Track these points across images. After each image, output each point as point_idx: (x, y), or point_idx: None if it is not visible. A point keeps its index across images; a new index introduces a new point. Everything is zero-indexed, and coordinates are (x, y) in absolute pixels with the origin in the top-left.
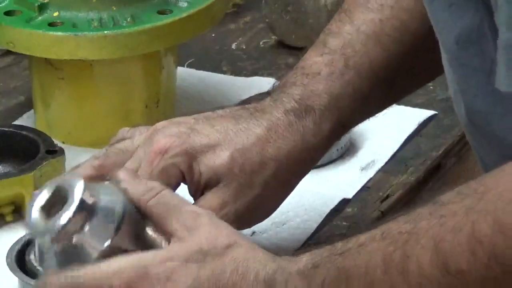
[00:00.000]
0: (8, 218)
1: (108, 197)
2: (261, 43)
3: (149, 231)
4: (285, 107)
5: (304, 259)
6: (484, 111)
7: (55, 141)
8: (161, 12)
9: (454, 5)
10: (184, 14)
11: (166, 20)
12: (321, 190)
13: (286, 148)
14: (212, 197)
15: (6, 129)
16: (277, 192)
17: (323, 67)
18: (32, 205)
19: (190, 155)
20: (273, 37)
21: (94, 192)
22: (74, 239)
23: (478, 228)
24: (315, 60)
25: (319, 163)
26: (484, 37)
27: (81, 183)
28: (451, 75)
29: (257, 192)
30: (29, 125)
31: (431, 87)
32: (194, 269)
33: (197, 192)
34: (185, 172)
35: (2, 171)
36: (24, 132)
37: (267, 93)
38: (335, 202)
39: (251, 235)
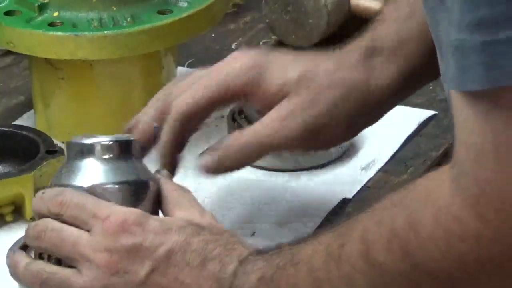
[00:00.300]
0: (8, 218)
1: (143, 168)
2: (261, 43)
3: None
4: (356, 46)
5: (273, 248)
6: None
7: (55, 141)
8: (161, 12)
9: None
10: (184, 14)
11: (166, 20)
12: (321, 190)
13: (354, 80)
14: (280, 107)
15: (6, 129)
16: (343, 120)
17: (390, 12)
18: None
19: (261, 65)
20: (273, 37)
21: (138, 157)
22: (95, 160)
23: (396, 222)
24: (384, 10)
25: (319, 163)
26: None
27: (136, 141)
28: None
29: (324, 109)
30: (29, 125)
31: (431, 87)
32: (186, 233)
33: (264, 106)
34: (250, 82)
35: (2, 171)
36: (24, 132)
37: None
38: (335, 202)
39: (251, 235)
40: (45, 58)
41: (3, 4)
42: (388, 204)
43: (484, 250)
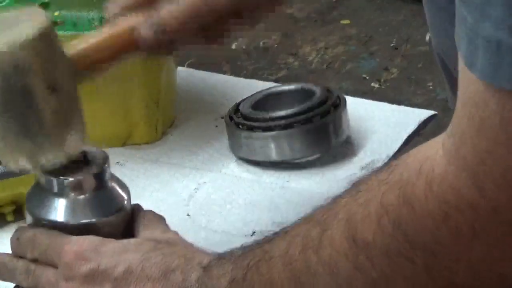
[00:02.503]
0: (9, 218)
1: (117, 188)
2: (261, 43)
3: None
4: None
5: (239, 249)
6: (449, 53)
7: None
8: None
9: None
10: None
11: None
12: (321, 190)
13: None
14: None
15: None
16: None
17: None
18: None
19: None
20: (273, 37)
21: (110, 176)
22: (70, 197)
23: (386, 198)
24: None
25: (319, 152)
26: None
27: (107, 160)
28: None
29: None
30: None
31: (431, 87)
32: (144, 250)
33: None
34: None
35: (2, 171)
36: None
37: None
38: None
39: (251, 235)
40: None
41: (3, 4)
42: (374, 183)
43: (480, 221)
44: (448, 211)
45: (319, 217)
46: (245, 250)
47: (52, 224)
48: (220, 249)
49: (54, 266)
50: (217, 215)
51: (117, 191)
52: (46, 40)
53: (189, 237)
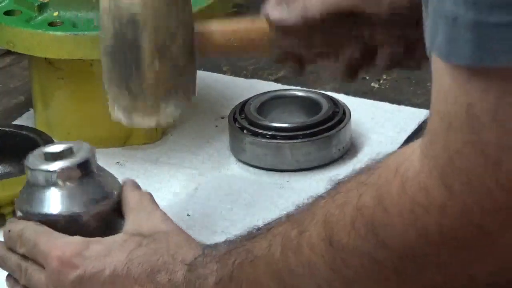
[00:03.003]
0: (9, 218)
1: (104, 177)
2: None
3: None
4: None
5: (224, 246)
6: None
7: (55, 141)
8: None
9: None
10: None
11: None
12: (321, 190)
13: None
14: None
15: (6, 129)
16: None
17: None
18: (38, 150)
19: None
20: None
21: (96, 167)
22: (57, 187)
23: (362, 200)
24: None
25: (319, 163)
26: None
27: (91, 150)
28: None
29: None
30: (29, 125)
31: (431, 87)
32: (129, 249)
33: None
34: None
35: (2, 171)
36: (24, 132)
37: None
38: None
39: None
40: (45, 58)
41: (3, 4)
42: (353, 185)
43: (448, 223)
44: (417, 212)
45: (299, 216)
46: (230, 246)
47: (40, 217)
48: None
49: (42, 266)
50: (217, 215)
51: (103, 180)
52: (170, 6)
53: None
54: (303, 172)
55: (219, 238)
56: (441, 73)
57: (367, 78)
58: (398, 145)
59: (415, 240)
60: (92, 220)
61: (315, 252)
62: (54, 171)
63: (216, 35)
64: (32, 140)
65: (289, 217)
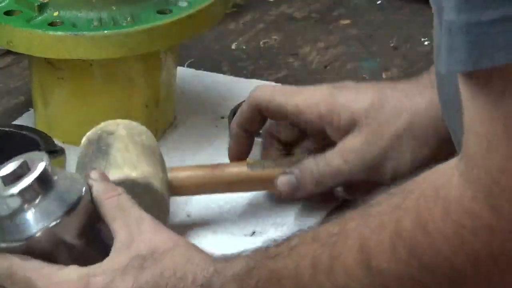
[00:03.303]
0: None
1: (69, 183)
2: (261, 43)
3: (100, 227)
4: (423, 78)
5: (240, 263)
6: (447, 107)
7: (56, 141)
8: (161, 12)
9: None
10: (184, 14)
11: (166, 20)
12: None
13: (423, 102)
14: (345, 140)
15: (6, 129)
16: (408, 149)
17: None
18: None
19: (334, 96)
20: (273, 37)
21: (56, 173)
22: (25, 209)
23: (401, 224)
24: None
25: None
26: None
27: (46, 158)
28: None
29: (387, 143)
30: (29, 125)
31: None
32: (133, 276)
33: (337, 135)
34: (325, 114)
35: None
36: (24, 132)
37: None
38: (336, 202)
39: (251, 235)
40: (45, 58)
41: (3, 4)
42: (387, 209)
43: (498, 244)
44: (465, 235)
45: (327, 238)
46: (248, 264)
47: (21, 244)
48: (220, 249)
49: None
50: (217, 215)
51: (68, 186)
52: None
53: (189, 237)
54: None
55: (219, 238)
56: (470, 95)
57: (367, 78)
58: None
59: (464, 263)
60: (67, 231)
61: (352, 277)
62: (16, 194)
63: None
64: (32, 140)
65: (314, 236)
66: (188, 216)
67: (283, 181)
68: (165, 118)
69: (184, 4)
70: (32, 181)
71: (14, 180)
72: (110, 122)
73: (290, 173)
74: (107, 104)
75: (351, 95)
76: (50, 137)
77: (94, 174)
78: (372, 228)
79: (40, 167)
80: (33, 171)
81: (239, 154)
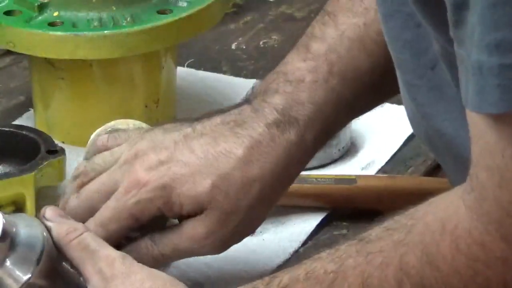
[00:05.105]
0: None
1: (28, 230)
2: (261, 43)
3: (66, 265)
4: (267, 120)
5: None
6: (450, 133)
7: (56, 141)
8: (161, 12)
9: (422, 27)
10: (184, 14)
11: (166, 20)
12: None
13: (270, 166)
14: (196, 226)
15: (6, 129)
16: (262, 211)
17: (307, 74)
18: None
19: (169, 188)
20: (273, 37)
21: (14, 224)
22: None
23: (405, 260)
24: (298, 66)
25: (319, 163)
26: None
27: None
28: (413, 99)
29: (242, 216)
30: (29, 125)
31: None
32: None
33: (182, 218)
34: (162, 207)
35: (2, 171)
36: (24, 132)
37: (247, 100)
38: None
39: (251, 235)
40: (45, 58)
41: (3, 4)
42: (389, 245)
43: (511, 273)
44: (477, 267)
45: (322, 276)
46: None
47: None
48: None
49: None
50: None
51: (29, 235)
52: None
53: None
54: (303, 172)
55: None
56: (480, 128)
57: None
58: (399, 145)
59: None
60: (43, 274)
61: None
62: None
63: None
64: (32, 140)
65: (308, 273)
66: None
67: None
68: (165, 118)
69: (184, 4)
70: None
71: None
72: (120, 120)
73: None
74: (107, 104)
75: (187, 180)
76: (50, 137)
77: (49, 213)
78: (374, 265)
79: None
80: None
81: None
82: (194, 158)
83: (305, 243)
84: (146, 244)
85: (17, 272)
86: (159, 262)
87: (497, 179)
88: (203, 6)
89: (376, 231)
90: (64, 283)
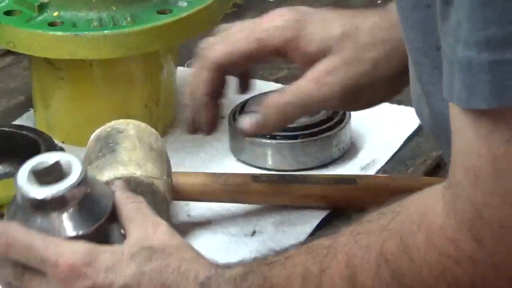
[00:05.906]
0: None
1: (100, 187)
2: None
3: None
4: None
5: (238, 267)
6: (448, 114)
7: (55, 141)
8: (161, 12)
9: (431, 8)
10: (184, 14)
11: (166, 20)
12: None
13: (395, 40)
14: (320, 65)
15: (6, 129)
16: (383, 80)
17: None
18: (25, 169)
19: (303, 23)
20: None
21: (87, 179)
22: (64, 212)
23: (386, 246)
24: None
25: (319, 163)
26: None
27: (82, 162)
28: (419, 78)
29: (366, 68)
30: (29, 125)
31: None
32: (138, 263)
33: (304, 63)
34: (289, 40)
35: (2, 171)
36: (24, 132)
37: None
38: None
39: (252, 235)
40: (45, 58)
41: (3, 4)
42: (375, 228)
43: (479, 274)
44: (447, 264)
45: (319, 250)
46: (245, 269)
47: None
48: (220, 249)
49: (43, 273)
50: (217, 215)
51: (98, 192)
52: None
53: (189, 238)
54: (303, 172)
55: (219, 238)
56: (461, 125)
57: None
58: (398, 145)
59: None
60: (95, 236)
61: None
62: (50, 198)
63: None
64: (32, 140)
65: (309, 247)
66: (188, 216)
67: (245, 121)
68: (165, 118)
69: (184, 4)
70: (70, 188)
71: (51, 180)
72: (121, 121)
73: (251, 112)
74: (107, 104)
75: (319, 24)
76: (50, 137)
77: (119, 182)
78: (360, 246)
79: (76, 172)
80: (71, 175)
81: (213, 123)
82: (328, 14)
83: (304, 243)
84: (273, 96)
85: (81, 221)
86: (286, 113)
87: (472, 179)
88: (203, 6)
89: (370, 215)
90: (106, 240)
